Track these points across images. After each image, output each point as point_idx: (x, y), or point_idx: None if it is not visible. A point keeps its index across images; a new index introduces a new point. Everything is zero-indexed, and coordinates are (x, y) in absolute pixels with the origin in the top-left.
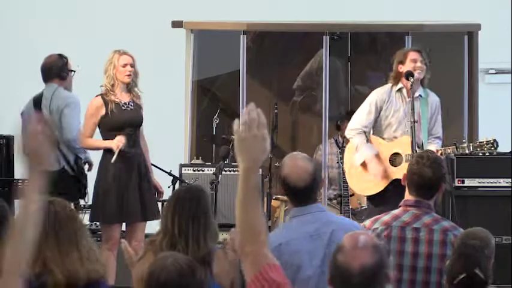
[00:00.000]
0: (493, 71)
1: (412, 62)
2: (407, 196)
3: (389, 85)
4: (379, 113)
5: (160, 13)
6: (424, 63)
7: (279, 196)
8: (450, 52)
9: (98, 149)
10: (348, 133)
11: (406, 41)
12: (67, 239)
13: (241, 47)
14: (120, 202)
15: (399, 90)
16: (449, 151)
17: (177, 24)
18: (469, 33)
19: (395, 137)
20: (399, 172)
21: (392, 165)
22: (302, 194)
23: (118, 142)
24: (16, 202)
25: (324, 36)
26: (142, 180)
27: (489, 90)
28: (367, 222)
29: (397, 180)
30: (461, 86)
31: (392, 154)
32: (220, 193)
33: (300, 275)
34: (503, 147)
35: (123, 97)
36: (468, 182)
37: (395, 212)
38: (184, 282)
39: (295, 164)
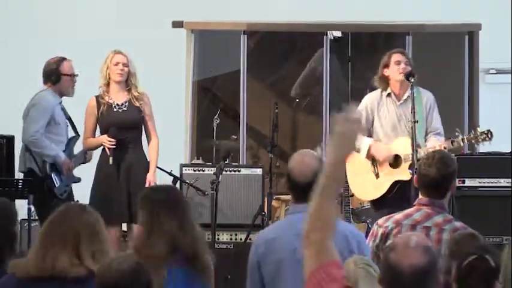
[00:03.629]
0: (494, 71)
1: (396, 64)
2: (421, 196)
3: (379, 90)
4: (372, 119)
5: (161, 13)
6: (408, 64)
7: (279, 196)
8: (451, 52)
9: (95, 147)
10: None
11: (407, 41)
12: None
13: (242, 47)
14: (110, 204)
15: (389, 94)
16: (444, 146)
17: (177, 24)
18: (470, 33)
19: (391, 139)
20: (400, 173)
21: (392, 167)
22: (302, 191)
23: (103, 139)
24: (16, 202)
25: (324, 36)
26: (130, 184)
27: (489, 90)
28: (381, 220)
29: (397, 183)
30: (462, 85)
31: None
32: (220, 193)
33: (281, 271)
34: (503, 147)
35: (118, 97)
36: (468, 182)
37: (408, 210)
38: (126, 283)
39: (301, 159)
